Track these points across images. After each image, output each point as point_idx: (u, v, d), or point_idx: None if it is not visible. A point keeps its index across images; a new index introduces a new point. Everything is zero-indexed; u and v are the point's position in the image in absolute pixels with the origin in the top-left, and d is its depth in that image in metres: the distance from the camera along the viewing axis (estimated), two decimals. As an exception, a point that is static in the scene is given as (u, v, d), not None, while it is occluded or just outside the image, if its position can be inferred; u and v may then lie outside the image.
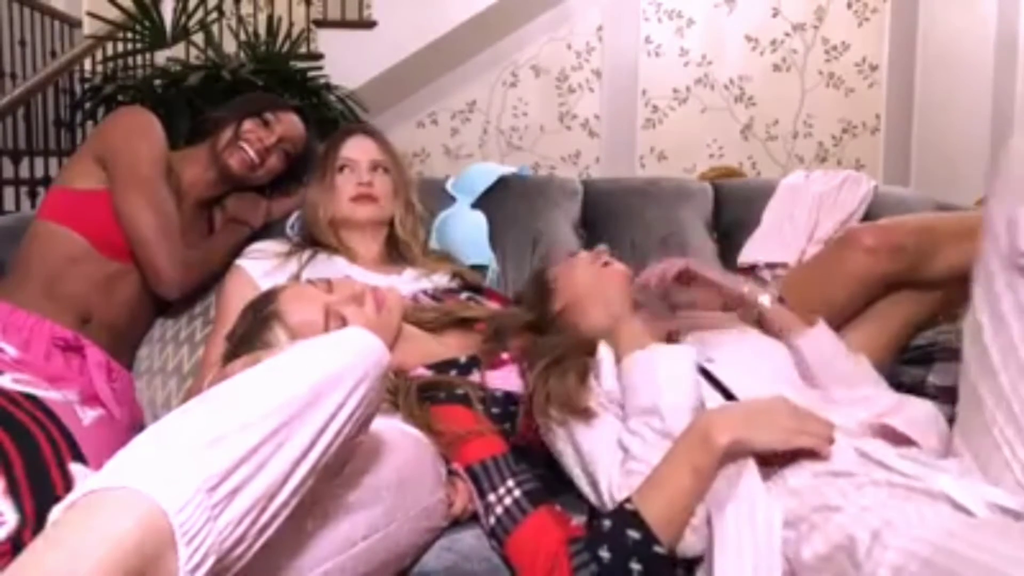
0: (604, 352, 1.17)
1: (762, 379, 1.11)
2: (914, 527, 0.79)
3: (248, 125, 1.63)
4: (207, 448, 0.68)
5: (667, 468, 0.96)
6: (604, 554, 0.93)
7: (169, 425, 0.72)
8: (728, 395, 1.10)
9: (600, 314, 1.26)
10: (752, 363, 1.13)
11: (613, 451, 1.05)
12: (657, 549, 0.93)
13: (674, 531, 0.94)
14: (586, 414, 1.08)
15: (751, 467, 0.94)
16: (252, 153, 1.62)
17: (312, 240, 1.63)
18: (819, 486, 0.90)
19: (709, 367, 1.14)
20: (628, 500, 0.96)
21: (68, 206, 1.48)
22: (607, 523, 0.96)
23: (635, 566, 0.92)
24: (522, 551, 1.00)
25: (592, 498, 1.07)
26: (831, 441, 0.95)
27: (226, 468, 0.68)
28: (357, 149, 1.64)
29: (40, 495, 1.03)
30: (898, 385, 1.44)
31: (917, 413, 1.04)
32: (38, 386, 1.24)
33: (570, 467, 1.11)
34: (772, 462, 0.96)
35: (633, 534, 0.93)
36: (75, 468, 1.12)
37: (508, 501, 1.04)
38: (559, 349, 1.17)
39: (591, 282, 1.30)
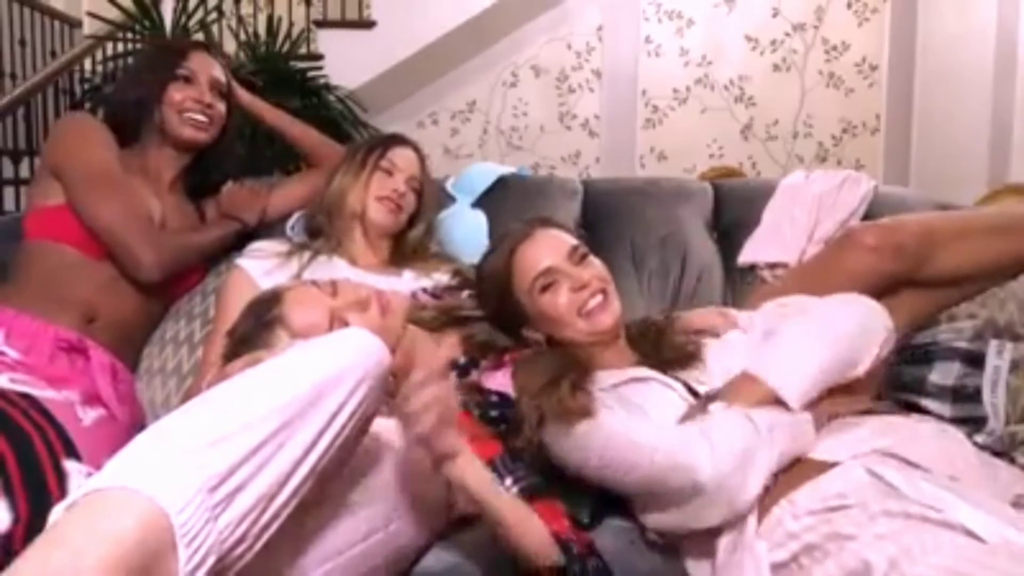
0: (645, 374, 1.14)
1: None
2: (930, 554, 0.78)
3: (177, 95, 1.59)
4: (208, 448, 0.68)
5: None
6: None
7: (170, 425, 0.72)
8: None
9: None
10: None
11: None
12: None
13: None
14: (586, 412, 1.05)
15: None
16: (202, 118, 1.60)
17: (320, 231, 1.63)
18: (831, 516, 0.88)
19: (696, 387, 1.13)
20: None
21: (47, 223, 1.48)
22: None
23: None
24: None
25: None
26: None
27: (227, 468, 0.68)
28: (404, 159, 1.65)
29: (34, 494, 1.03)
30: (898, 385, 1.44)
31: (927, 442, 1.00)
32: (35, 386, 1.23)
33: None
34: (783, 486, 0.94)
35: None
36: (69, 465, 1.11)
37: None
38: (550, 371, 1.12)
39: (578, 338, 1.21)
